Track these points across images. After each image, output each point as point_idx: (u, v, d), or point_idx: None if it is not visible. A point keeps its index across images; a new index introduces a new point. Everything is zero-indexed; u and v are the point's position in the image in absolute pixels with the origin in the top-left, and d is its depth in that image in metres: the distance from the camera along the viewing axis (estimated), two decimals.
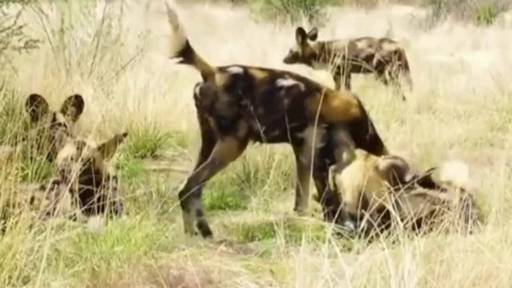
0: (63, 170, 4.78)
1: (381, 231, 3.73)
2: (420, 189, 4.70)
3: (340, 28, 15.55)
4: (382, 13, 19.77)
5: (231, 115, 4.75)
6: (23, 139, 5.16)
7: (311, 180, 5.02)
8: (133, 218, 4.18)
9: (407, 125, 7.58)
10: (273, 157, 5.70)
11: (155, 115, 6.95)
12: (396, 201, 4.35)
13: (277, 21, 15.51)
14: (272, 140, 4.96)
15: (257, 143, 4.95)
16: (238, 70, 4.86)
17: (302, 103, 4.90)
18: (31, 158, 4.78)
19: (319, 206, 4.99)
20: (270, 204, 5.16)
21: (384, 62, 9.23)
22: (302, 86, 4.95)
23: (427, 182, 4.74)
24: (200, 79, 4.82)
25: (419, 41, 14.87)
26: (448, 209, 4.08)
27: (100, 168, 4.88)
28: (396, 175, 4.67)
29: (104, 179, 4.76)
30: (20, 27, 6.56)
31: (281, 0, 18.61)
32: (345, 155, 4.89)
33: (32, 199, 4.45)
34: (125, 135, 5.21)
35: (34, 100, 5.73)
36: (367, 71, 9.33)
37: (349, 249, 3.96)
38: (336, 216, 4.48)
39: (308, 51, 9.39)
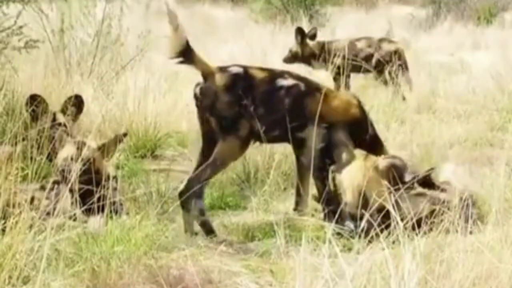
0: (63, 170, 4.78)
1: (381, 231, 3.73)
2: (420, 189, 4.70)
3: (340, 28, 15.54)
4: (382, 13, 19.76)
5: (232, 115, 4.74)
6: (23, 139, 5.16)
7: (311, 180, 5.02)
8: (133, 218, 4.18)
9: (407, 125, 7.57)
10: (273, 157, 5.70)
11: (155, 115, 6.95)
12: (396, 201, 4.35)
13: (277, 21, 15.50)
14: (272, 140, 4.95)
15: (257, 143, 4.95)
16: (238, 70, 4.86)
17: (302, 103, 4.90)
18: (31, 158, 4.78)
19: (319, 206, 4.99)
20: (270, 204, 5.16)
21: (384, 62, 9.22)
22: (302, 86, 4.94)
23: (427, 182, 4.74)
24: (200, 79, 4.82)
25: (419, 41, 14.86)
26: (448, 209, 4.08)
27: (100, 168, 4.88)
28: (396, 175, 4.67)
29: (104, 179, 4.76)
30: (20, 27, 6.56)
31: (281, 0, 18.60)
32: (344, 155, 4.89)
33: (32, 199, 4.45)
34: (125, 135, 5.21)
35: (34, 100, 5.72)
36: (367, 71, 9.33)
37: (349, 249, 3.96)
38: (336, 216, 4.48)
39: (307, 51, 9.39)
